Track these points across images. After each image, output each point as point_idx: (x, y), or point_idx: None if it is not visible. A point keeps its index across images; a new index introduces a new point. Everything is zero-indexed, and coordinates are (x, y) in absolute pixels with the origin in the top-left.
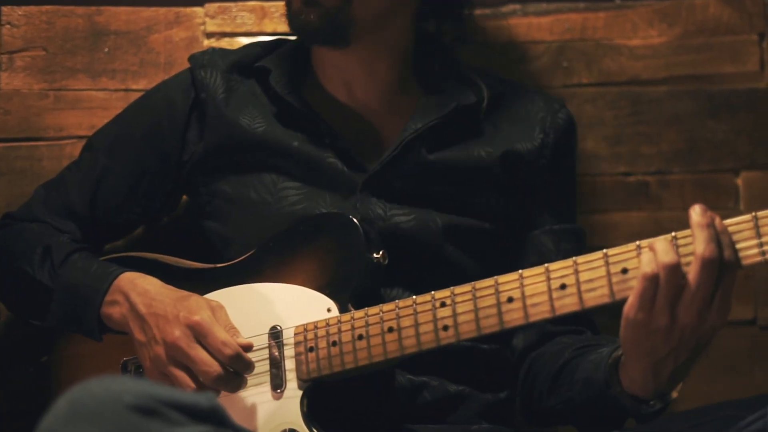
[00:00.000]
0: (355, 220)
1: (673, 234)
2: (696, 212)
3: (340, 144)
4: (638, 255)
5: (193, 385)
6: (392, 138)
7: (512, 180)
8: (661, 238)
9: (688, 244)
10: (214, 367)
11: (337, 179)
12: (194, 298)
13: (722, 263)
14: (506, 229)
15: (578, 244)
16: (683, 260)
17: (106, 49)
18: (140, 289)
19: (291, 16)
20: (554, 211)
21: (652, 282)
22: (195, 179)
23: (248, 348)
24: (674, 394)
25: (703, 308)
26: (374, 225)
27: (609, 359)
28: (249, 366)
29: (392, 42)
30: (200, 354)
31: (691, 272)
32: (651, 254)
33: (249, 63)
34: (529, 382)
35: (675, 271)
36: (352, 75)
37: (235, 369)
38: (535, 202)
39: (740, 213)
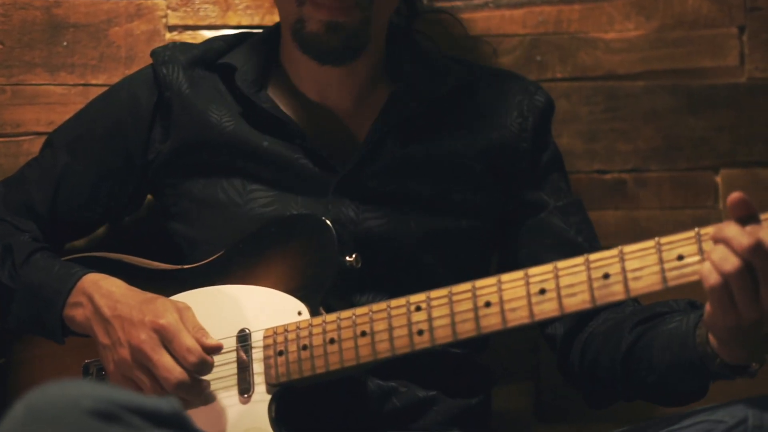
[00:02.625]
0: (327, 221)
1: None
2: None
3: (311, 145)
4: (621, 260)
5: (156, 389)
6: (364, 136)
7: (493, 172)
8: (713, 233)
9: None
10: (176, 373)
11: (308, 181)
12: (160, 301)
13: None
14: (484, 228)
15: (584, 214)
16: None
17: (65, 43)
18: (104, 291)
19: (306, 36)
20: (551, 190)
21: (724, 289)
22: (161, 180)
23: (217, 349)
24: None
25: None
26: (346, 228)
27: (696, 339)
28: (211, 369)
29: (375, 48)
30: (163, 359)
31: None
32: (709, 264)
33: (212, 59)
34: (588, 366)
35: (748, 268)
36: (330, 79)
37: (200, 375)
38: (528, 187)
39: (720, 212)
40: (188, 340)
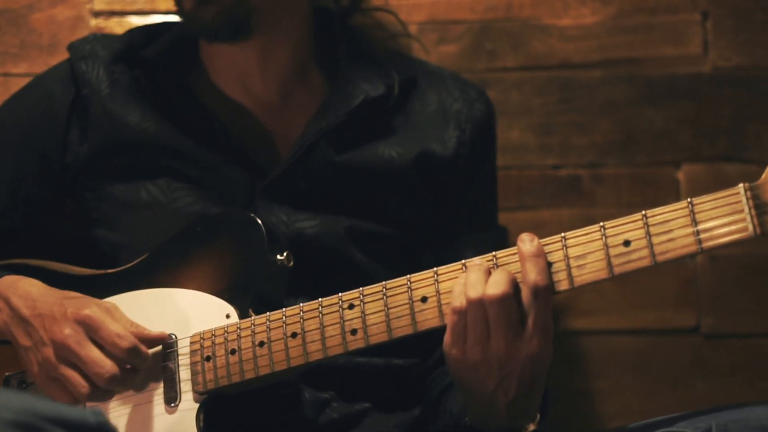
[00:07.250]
0: (257, 218)
1: (493, 254)
2: (525, 242)
3: (237, 145)
4: (563, 247)
5: (86, 386)
6: (294, 137)
7: (427, 184)
8: (476, 264)
9: (510, 263)
10: (107, 366)
11: (234, 182)
12: (83, 297)
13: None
14: (419, 237)
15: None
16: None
17: None
18: (21, 292)
19: (184, 16)
20: (475, 219)
21: (461, 316)
22: (79, 183)
23: (160, 341)
24: (531, 427)
25: (516, 337)
26: (278, 228)
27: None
28: (146, 360)
29: (291, 27)
30: (91, 353)
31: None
32: (461, 286)
33: (134, 54)
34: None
35: (480, 305)
36: (248, 69)
37: (132, 364)
38: (455, 209)
39: None
40: (116, 326)
